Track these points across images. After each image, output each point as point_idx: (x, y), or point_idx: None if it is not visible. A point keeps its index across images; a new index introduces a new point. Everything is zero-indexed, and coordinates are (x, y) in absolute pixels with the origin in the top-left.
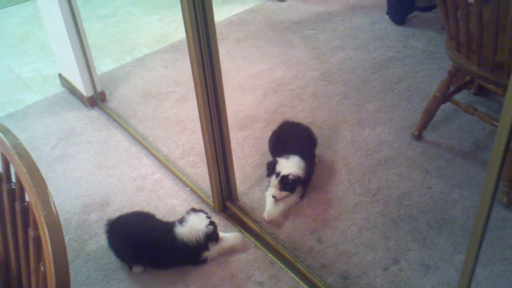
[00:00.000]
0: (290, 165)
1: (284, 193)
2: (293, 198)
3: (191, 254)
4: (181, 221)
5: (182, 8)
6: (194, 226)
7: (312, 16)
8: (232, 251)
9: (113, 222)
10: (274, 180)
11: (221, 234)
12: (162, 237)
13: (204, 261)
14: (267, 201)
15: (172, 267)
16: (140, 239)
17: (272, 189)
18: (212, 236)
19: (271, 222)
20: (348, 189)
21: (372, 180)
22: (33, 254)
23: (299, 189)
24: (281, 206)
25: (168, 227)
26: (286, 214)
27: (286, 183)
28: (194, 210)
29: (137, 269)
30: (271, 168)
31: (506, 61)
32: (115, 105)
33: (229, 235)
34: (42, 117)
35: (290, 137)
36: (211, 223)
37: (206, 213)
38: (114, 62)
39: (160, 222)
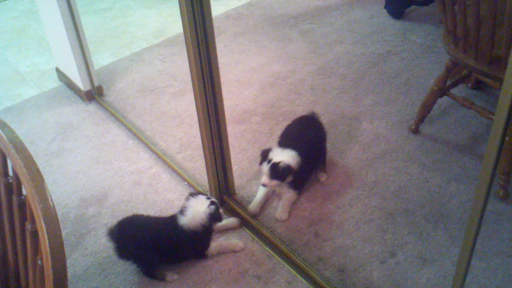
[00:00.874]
0: (282, 154)
1: (274, 182)
2: (292, 195)
3: (200, 240)
4: (182, 210)
5: (180, 2)
6: (196, 210)
7: (310, 10)
8: (232, 249)
9: (118, 230)
10: (265, 167)
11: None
12: (172, 232)
13: (205, 256)
14: (258, 192)
15: (186, 260)
16: (154, 240)
17: (264, 177)
18: (215, 216)
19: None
20: (345, 183)
21: (369, 174)
22: (30, 248)
23: (289, 178)
24: (285, 205)
25: (172, 221)
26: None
27: (276, 171)
28: (192, 194)
29: (170, 277)
30: (264, 156)
31: (503, 55)
32: (112, 99)
33: (228, 220)
34: (40, 111)
35: (300, 133)
36: (212, 203)
37: (205, 194)
38: (112, 56)
39: (162, 218)
